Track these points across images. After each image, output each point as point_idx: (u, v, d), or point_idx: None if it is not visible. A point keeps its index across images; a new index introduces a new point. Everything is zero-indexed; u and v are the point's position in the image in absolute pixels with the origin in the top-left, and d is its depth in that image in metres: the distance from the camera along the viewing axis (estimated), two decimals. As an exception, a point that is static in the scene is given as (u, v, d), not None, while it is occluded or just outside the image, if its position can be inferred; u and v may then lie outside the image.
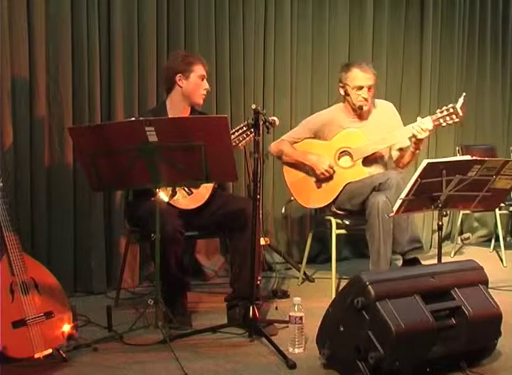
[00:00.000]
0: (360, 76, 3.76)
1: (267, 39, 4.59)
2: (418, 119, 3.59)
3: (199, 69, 3.39)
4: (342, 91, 3.85)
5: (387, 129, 3.80)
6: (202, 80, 3.41)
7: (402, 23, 5.19)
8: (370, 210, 3.56)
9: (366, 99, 3.78)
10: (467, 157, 3.14)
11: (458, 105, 3.52)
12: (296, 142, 3.92)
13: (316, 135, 3.92)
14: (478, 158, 3.03)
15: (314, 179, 3.84)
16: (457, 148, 5.13)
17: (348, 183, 3.76)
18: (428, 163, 2.94)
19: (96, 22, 3.85)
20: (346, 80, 3.80)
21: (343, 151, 3.81)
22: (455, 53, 5.43)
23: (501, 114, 5.76)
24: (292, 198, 3.98)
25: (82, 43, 3.80)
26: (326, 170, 3.76)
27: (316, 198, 3.85)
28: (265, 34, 4.58)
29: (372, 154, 3.78)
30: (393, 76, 5.15)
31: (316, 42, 4.83)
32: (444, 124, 3.57)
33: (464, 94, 3.56)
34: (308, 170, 3.86)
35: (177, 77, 3.37)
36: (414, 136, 3.59)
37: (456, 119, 3.55)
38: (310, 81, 4.82)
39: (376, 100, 3.97)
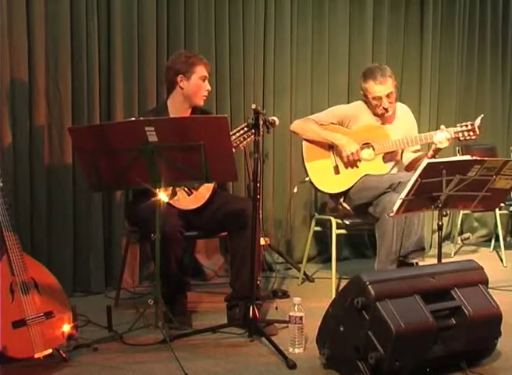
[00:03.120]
0: (376, 89, 3.76)
1: (267, 39, 4.60)
2: (442, 127, 3.64)
3: (201, 71, 3.38)
4: (363, 97, 3.87)
5: (405, 132, 3.83)
6: (204, 81, 3.40)
7: (402, 23, 5.20)
8: (385, 208, 3.52)
9: (386, 109, 3.79)
10: (467, 157, 3.14)
11: (476, 124, 3.57)
12: (322, 125, 3.87)
13: (340, 124, 3.89)
14: (478, 158, 3.03)
15: (334, 163, 3.81)
16: (457, 148, 5.13)
17: (366, 175, 3.76)
18: (428, 163, 2.94)
19: (95, 21, 3.85)
20: (365, 91, 3.82)
21: (366, 143, 3.80)
22: (455, 53, 5.44)
23: (501, 114, 5.77)
24: (306, 179, 3.90)
25: (81, 43, 3.80)
26: (353, 153, 3.73)
27: (332, 182, 3.81)
28: (265, 34, 4.59)
29: (392, 151, 3.80)
30: (393, 75, 5.14)
31: (316, 42, 4.83)
32: (462, 138, 3.63)
33: (482, 115, 3.62)
34: (331, 153, 3.82)
35: (178, 78, 3.36)
36: (435, 145, 3.62)
37: (473, 137, 3.62)
38: (310, 81, 4.83)
39: (398, 103, 3.98)
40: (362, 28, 5.00)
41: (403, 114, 3.98)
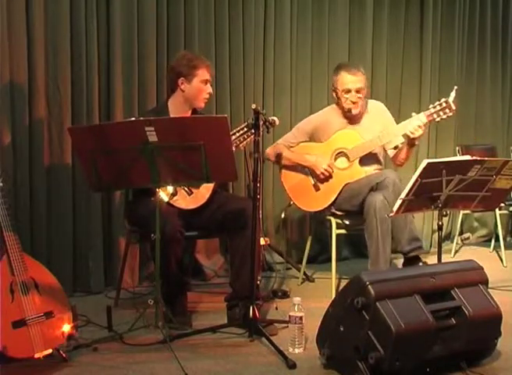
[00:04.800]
0: (347, 80, 3.75)
1: (267, 39, 4.60)
2: (413, 114, 3.59)
3: (203, 74, 3.36)
4: (334, 94, 3.87)
5: (380, 129, 3.80)
6: (205, 84, 3.38)
7: (402, 23, 5.19)
8: (367, 210, 3.56)
9: (354, 103, 3.77)
10: (467, 157, 3.14)
11: (450, 99, 3.50)
12: (291, 146, 3.92)
13: (311, 138, 3.92)
14: (478, 158, 3.03)
15: (312, 181, 3.84)
16: (457, 148, 5.12)
17: (346, 184, 3.76)
18: (428, 163, 2.94)
19: (95, 21, 3.85)
20: (336, 84, 3.81)
21: (339, 153, 3.81)
22: (455, 53, 5.43)
23: (501, 114, 5.76)
24: (291, 203, 3.99)
25: (81, 43, 3.80)
26: (326, 170, 3.75)
27: (315, 200, 3.84)
28: (265, 34, 4.58)
29: (368, 153, 3.77)
30: (393, 76, 5.15)
31: (316, 42, 4.83)
32: (438, 119, 3.56)
33: (456, 87, 3.53)
34: (306, 172, 3.85)
35: (180, 81, 3.35)
36: (408, 136, 3.59)
37: (450, 114, 3.55)
38: (310, 81, 4.82)
39: (368, 100, 3.97)
40: (362, 28, 5.00)
41: (375, 110, 3.92)
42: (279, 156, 3.90)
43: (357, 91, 3.76)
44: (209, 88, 3.41)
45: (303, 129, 3.96)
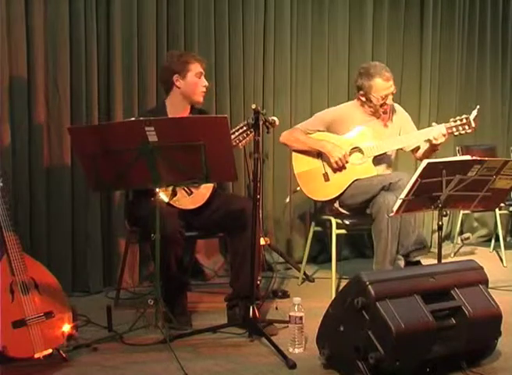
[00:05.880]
0: (385, 87, 3.73)
1: (267, 39, 4.60)
2: (434, 124, 3.62)
3: (195, 68, 3.37)
4: (362, 98, 3.81)
5: (401, 132, 3.82)
6: (199, 77, 3.39)
7: (402, 23, 5.20)
8: (379, 209, 3.55)
9: (387, 106, 3.79)
10: (467, 157, 3.15)
11: (472, 117, 3.54)
12: (308, 133, 3.89)
13: (328, 129, 3.90)
14: (478, 158, 3.03)
15: (323, 171, 3.82)
16: (457, 148, 5.12)
17: (356, 180, 3.75)
18: (428, 163, 2.94)
19: (94, 22, 3.85)
20: (370, 89, 3.74)
21: (355, 148, 3.80)
22: (455, 53, 5.43)
23: (501, 114, 5.77)
24: (298, 188, 3.94)
25: (80, 43, 3.81)
26: (340, 159, 3.72)
27: (323, 190, 3.82)
28: (265, 34, 4.59)
29: (382, 153, 3.78)
30: (393, 76, 5.12)
31: (316, 42, 4.83)
32: (456, 133, 3.60)
33: (478, 106, 3.57)
34: (319, 161, 3.82)
35: (174, 78, 3.36)
36: (430, 141, 3.60)
37: (469, 130, 3.58)
38: (310, 81, 4.83)
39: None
40: (362, 28, 5.00)
41: (398, 114, 3.94)
42: (294, 140, 3.88)
43: (392, 94, 3.77)
44: (204, 81, 3.41)
45: (322, 118, 3.93)
